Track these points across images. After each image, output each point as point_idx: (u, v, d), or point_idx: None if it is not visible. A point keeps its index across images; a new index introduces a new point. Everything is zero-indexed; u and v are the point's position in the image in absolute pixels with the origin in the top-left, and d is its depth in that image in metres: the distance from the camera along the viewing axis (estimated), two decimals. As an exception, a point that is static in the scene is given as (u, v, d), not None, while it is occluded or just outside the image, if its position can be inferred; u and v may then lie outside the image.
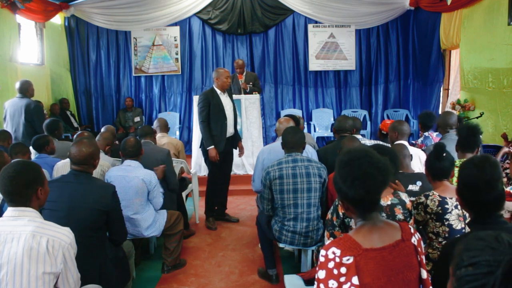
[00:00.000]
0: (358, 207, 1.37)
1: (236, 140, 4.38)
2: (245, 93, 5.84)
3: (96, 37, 7.68)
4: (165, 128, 4.54)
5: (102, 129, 4.40)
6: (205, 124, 4.06)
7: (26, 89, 4.61)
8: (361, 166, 1.31)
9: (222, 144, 4.11)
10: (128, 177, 2.99)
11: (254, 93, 5.89)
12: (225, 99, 4.17)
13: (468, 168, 1.55)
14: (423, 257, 1.42)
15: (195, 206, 4.62)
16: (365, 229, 1.36)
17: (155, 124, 4.58)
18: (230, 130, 4.23)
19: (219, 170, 4.27)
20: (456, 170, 2.59)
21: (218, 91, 4.13)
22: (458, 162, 2.59)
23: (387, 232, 1.38)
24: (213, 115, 4.07)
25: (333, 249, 1.31)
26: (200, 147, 4.33)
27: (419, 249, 1.40)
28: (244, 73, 5.92)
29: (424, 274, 1.39)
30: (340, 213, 2.11)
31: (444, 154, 2.15)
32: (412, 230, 1.42)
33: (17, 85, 4.63)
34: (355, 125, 3.91)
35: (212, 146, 4.04)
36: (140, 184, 3.00)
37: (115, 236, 2.48)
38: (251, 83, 5.89)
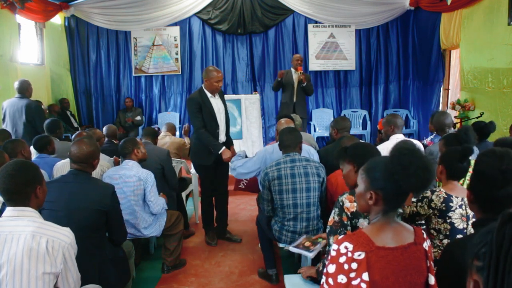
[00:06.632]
0: (391, 201, 1.36)
1: (228, 145, 3.83)
2: (301, 86, 5.75)
3: (96, 37, 7.68)
4: (172, 130, 4.75)
5: (104, 129, 4.51)
6: (202, 130, 3.59)
7: (25, 89, 4.64)
8: (422, 158, 1.31)
9: (212, 157, 3.68)
10: (125, 175, 3.00)
11: (254, 93, 5.88)
12: (215, 102, 3.67)
13: (487, 156, 1.47)
14: (432, 263, 1.42)
15: (195, 206, 4.62)
16: (380, 226, 1.37)
17: (164, 128, 4.81)
18: (221, 139, 3.77)
19: (212, 184, 3.89)
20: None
21: (208, 94, 3.63)
22: None
23: (401, 233, 1.38)
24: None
25: (346, 243, 1.31)
26: (188, 154, 4.07)
27: (429, 254, 1.41)
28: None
29: (432, 280, 1.39)
30: (348, 213, 2.03)
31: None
32: (424, 236, 1.42)
33: (16, 84, 4.65)
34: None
35: (223, 148, 3.63)
36: (136, 183, 3.00)
37: (115, 236, 2.48)
38: (305, 83, 5.79)
